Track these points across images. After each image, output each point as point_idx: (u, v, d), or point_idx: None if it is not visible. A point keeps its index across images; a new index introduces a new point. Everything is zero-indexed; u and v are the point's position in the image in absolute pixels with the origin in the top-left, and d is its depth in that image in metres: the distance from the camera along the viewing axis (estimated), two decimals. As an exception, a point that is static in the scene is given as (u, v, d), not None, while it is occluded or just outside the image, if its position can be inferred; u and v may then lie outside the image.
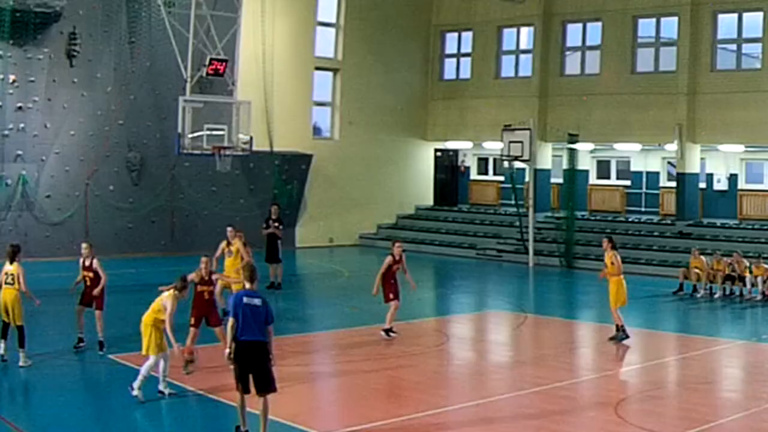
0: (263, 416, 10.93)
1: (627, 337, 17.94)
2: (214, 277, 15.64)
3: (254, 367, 10.90)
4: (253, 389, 10.96)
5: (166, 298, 13.22)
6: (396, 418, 12.20)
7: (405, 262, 17.98)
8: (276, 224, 23.80)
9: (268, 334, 11.01)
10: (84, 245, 16.10)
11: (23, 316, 14.70)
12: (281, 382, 13.04)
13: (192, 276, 14.97)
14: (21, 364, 14.56)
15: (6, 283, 14.65)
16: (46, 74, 27.50)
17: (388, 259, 17.74)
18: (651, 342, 18.63)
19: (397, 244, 18.01)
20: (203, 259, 15.60)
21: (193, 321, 15.16)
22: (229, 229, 19.52)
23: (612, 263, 17.98)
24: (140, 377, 12.97)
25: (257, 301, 10.99)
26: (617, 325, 17.98)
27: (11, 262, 14.76)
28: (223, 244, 19.31)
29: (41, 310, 19.45)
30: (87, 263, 15.94)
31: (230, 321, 10.99)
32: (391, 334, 17.51)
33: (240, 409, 11.11)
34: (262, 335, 10.94)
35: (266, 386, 10.92)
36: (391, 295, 17.64)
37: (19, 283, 14.58)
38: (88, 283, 15.93)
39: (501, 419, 12.72)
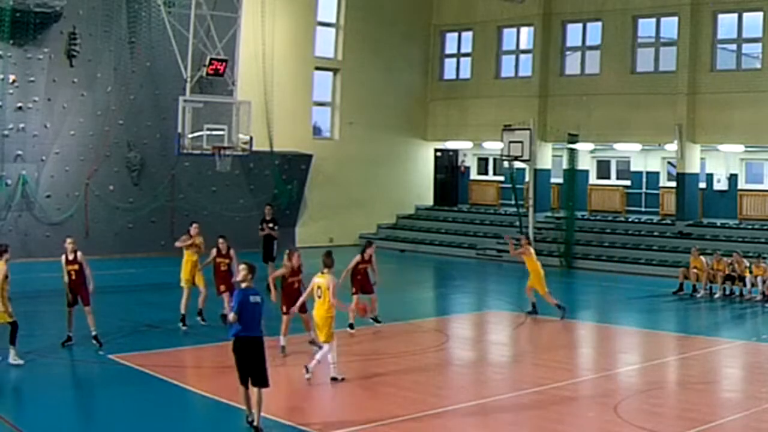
0: (257, 406, 11.36)
1: (536, 313, 20.53)
2: (303, 269, 16.62)
3: (252, 362, 11.32)
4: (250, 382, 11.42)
5: (328, 282, 13.95)
6: (396, 418, 12.20)
7: (375, 263, 18.68)
8: (270, 225, 23.70)
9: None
10: (69, 239, 16.29)
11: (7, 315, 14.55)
12: (281, 382, 13.09)
13: (281, 271, 15.99)
14: (10, 360, 14.50)
15: None
16: (46, 74, 27.48)
17: (357, 257, 18.39)
18: (651, 342, 18.62)
19: (369, 248, 18.54)
20: (295, 253, 16.43)
21: (284, 309, 15.89)
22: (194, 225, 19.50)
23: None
24: (332, 365, 14.04)
25: (258, 298, 11.51)
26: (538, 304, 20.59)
27: None
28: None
29: (42, 309, 19.50)
30: (71, 257, 16.03)
31: (231, 316, 11.41)
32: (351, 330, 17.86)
33: (245, 400, 11.47)
34: (260, 331, 11.47)
35: (261, 381, 11.34)
36: (354, 290, 18.28)
37: None
38: (73, 277, 16.04)
39: (501, 419, 12.72)
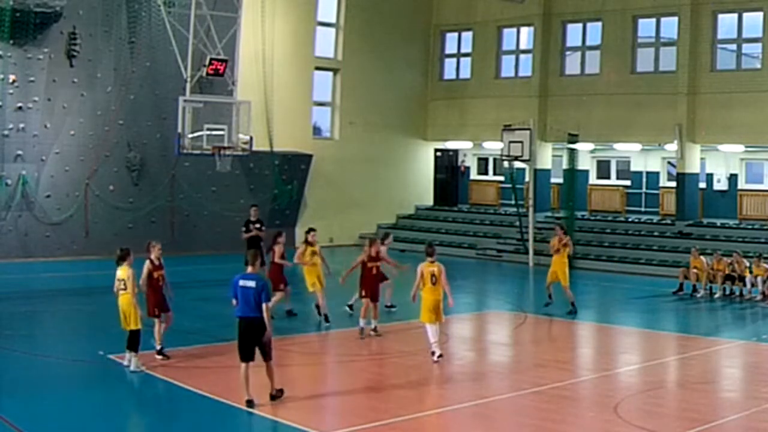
0: (270, 377, 12.61)
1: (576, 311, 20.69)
2: (381, 255, 17.69)
3: (253, 340, 12.46)
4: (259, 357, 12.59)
5: (441, 269, 15.33)
6: (396, 418, 12.20)
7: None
8: (257, 226, 23.53)
9: (263, 311, 12.36)
10: (158, 245, 15.56)
11: (139, 321, 14.38)
12: (282, 382, 13.08)
13: (361, 257, 17.49)
14: (132, 368, 14.26)
15: (119, 289, 14.40)
16: (46, 74, 27.48)
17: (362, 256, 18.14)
18: (651, 342, 18.62)
19: (374, 245, 18.22)
20: (376, 241, 17.77)
21: (364, 293, 17.38)
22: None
23: (565, 245, 20.98)
24: (434, 343, 15.42)
25: (251, 283, 12.48)
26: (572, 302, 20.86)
27: (120, 267, 14.50)
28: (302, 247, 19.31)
29: (42, 310, 19.51)
30: (157, 263, 15.43)
31: (233, 301, 12.62)
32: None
33: (244, 379, 12.42)
34: (255, 312, 12.39)
35: (266, 355, 12.56)
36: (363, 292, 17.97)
37: (130, 286, 14.31)
38: (161, 283, 15.38)
39: (501, 419, 12.72)
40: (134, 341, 14.32)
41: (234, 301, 12.61)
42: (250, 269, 12.66)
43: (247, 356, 12.44)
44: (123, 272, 14.40)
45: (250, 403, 12.32)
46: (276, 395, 12.66)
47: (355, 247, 35.36)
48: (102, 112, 28.90)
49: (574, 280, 28.17)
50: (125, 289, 14.33)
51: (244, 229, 23.38)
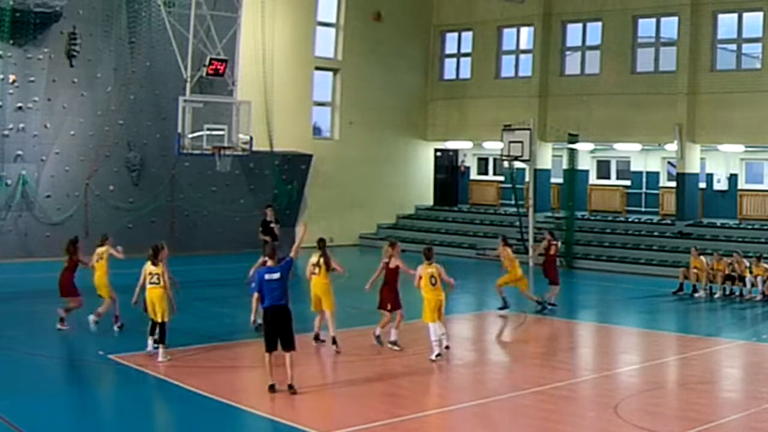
0: (290, 367, 13.08)
1: (508, 307, 20.84)
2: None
3: (279, 329, 13.10)
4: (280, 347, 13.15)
5: (440, 269, 15.54)
6: (396, 418, 12.19)
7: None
8: (272, 226, 23.72)
9: (288, 269, 13.26)
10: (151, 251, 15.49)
11: (168, 315, 15.04)
12: (281, 383, 13.10)
13: (386, 260, 16.74)
14: (160, 358, 14.87)
15: (151, 283, 15.00)
16: (46, 74, 27.49)
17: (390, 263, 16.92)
18: (651, 342, 18.62)
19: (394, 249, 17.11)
20: (397, 243, 17.05)
21: (390, 306, 16.68)
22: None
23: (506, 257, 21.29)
24: (437, 342, 15.51)
25: (276, 275, 13.19)
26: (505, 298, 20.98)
27: (154, 263, 15.11)
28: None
29: (41, 310, 19.49)
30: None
31: (255, 295, 13.45)
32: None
33: (269, 367, 13.11)
34: (280, 301, 13.09)
35: (288, 344, 13.12)
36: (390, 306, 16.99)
37: (164, 280, 14.96)
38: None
39: (501, 419, 12.72)
40: (162, 333, 15.01)
41: (256, 295, 13.37)
42: (270, 263, 13.41)
43: (271, 346, 13.10)
44: (157, 268, 15.10)
45: (272, 388, 13.02)
46: (292, 386, 13.04)
47: (354, 247, 35.46)
48: (102, 112, 28.91)
49: (574, 280, 28.31)
50: (158, 282, 14.99)
51: (261, 229, 23.63)
